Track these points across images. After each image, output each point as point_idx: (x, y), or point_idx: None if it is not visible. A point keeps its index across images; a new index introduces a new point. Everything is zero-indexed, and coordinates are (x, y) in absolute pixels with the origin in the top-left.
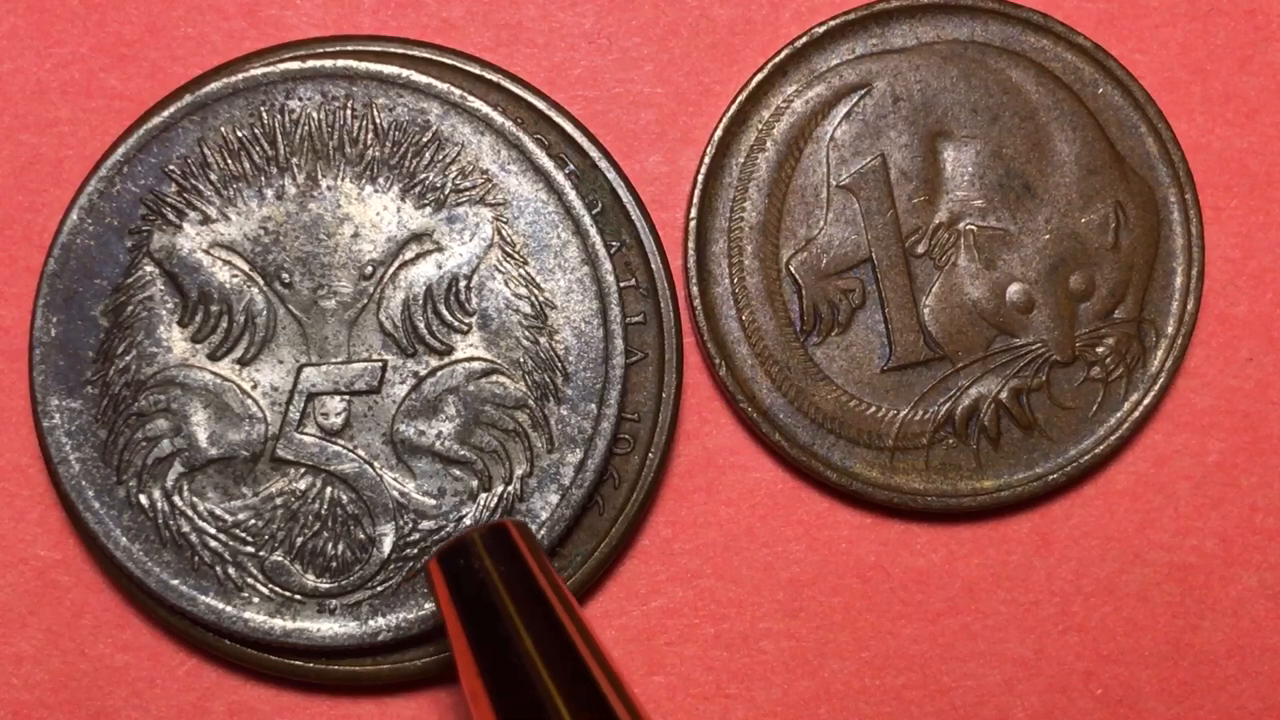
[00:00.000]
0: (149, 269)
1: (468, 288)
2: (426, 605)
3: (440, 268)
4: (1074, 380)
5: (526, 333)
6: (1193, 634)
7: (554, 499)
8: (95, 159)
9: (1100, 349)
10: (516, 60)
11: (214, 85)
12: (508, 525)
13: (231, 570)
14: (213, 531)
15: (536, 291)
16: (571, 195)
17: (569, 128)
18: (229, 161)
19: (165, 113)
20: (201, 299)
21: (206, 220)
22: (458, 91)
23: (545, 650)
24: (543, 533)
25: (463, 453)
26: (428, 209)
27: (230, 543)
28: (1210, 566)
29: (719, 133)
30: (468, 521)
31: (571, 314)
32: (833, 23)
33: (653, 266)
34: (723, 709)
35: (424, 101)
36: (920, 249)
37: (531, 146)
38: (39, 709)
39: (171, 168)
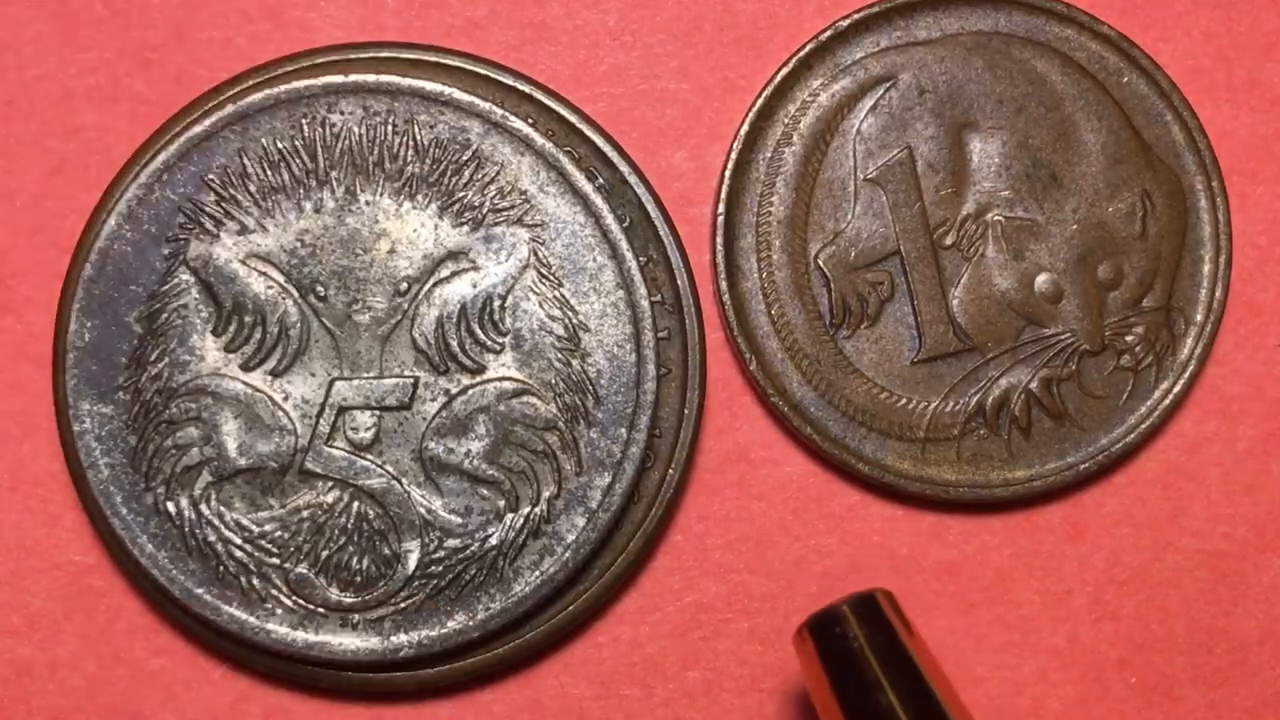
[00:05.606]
0: (185, 277)
1: (502, 307)
2: (449, 623)
3: (475, 286)
4: (1104, 369)
5: (559, 355)
6: (1226, 620)
7: (580, 521)
8: (121, 164)
9: (1129, 337)
10: (540, 59)
11: (256, 96)
12: (876, 595)
13: (256, 581)
14: (238, 541)
15: (570, 314)
16: (609, 219)
17: (599, 141)
18: (268, 173)
19: (207, 122)
20: (236, 309)
21: (244, 231)
22: (499, 111)
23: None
24: (568, 555)
25: (491, 472)
26: (465, 227)
27: (255, 553)
28: (1243, 553)
29: (745, 128)
30: (493, 541)
31: (605, 338)
32: (857, 16)
33: (678, 282)
34: (757, 703)
35: (465, 120)
36: (948, 241)
37: (570, 168)
38: (75, 714)
39: (211, 177)
